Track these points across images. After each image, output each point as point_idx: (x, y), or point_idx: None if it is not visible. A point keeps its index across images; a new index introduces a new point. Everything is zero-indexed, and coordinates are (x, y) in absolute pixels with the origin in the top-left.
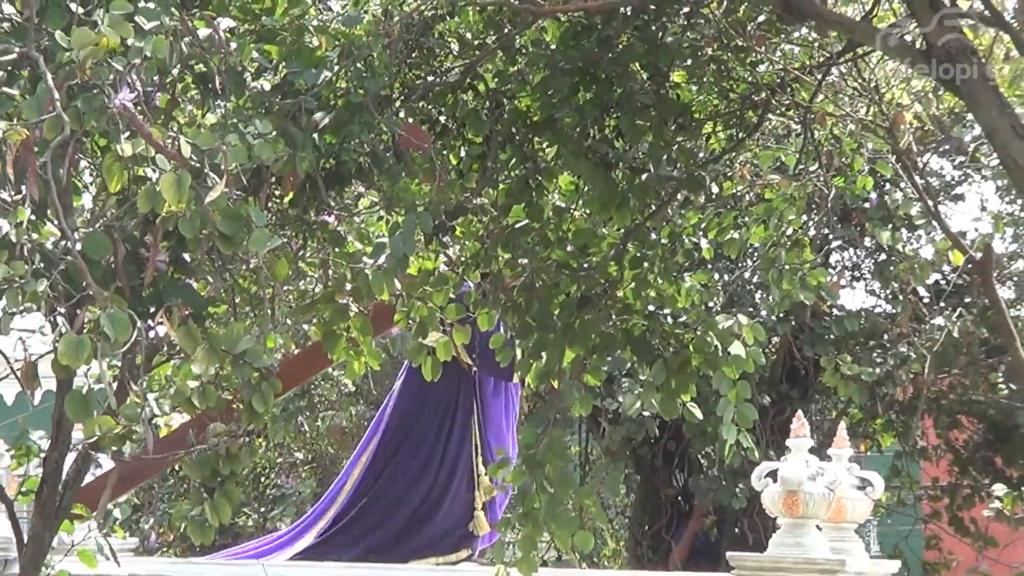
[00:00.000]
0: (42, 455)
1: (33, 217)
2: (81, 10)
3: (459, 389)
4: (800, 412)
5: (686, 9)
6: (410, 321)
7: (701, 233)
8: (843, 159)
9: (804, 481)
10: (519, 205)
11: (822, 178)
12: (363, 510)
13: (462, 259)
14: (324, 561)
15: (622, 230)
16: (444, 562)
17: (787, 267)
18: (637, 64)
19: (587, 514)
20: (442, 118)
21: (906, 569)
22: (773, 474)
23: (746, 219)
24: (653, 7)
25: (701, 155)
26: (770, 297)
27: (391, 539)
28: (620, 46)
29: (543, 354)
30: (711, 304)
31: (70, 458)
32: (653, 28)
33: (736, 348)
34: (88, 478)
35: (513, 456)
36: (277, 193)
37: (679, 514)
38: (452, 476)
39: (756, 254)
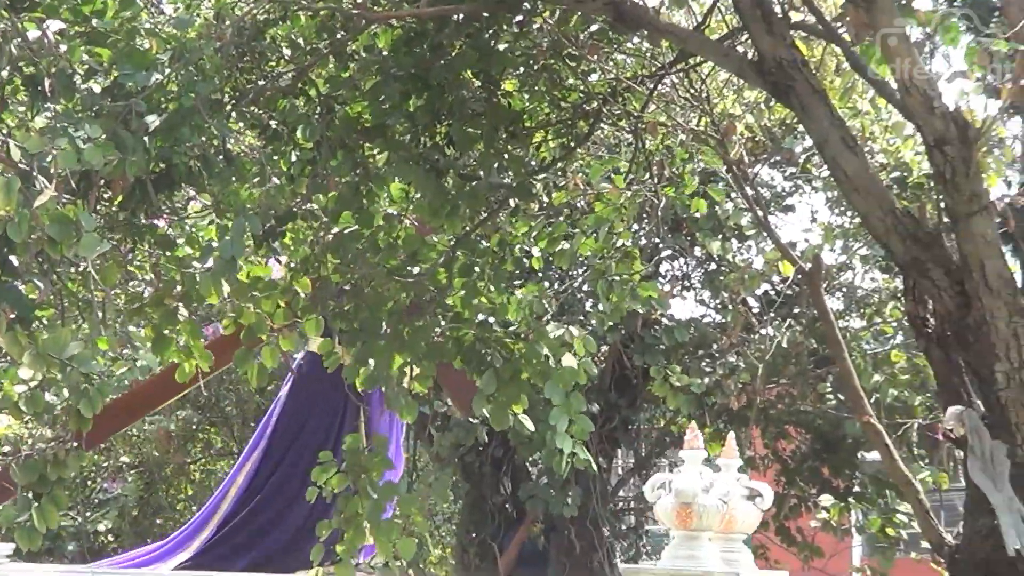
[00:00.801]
0: None
1: None
2: None
3: (346, 395)
4: (693, 424)
5: (519, 18)
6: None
7: (532, 243)
8: (674, 169)
9: (698, 493)
10: (349, 211)
11: (653, 188)
12: (248, 518)
13: (291, 265)
14: (208, 572)
15: (452, 238)
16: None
17: (617, 278)
18: (469, 72)
19: (411, 521)
20: (273, 123)
21: None
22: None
23: (576, 230)
24: (486, 15)
25: (532, 163)
26: (600, 307)
27: (279, 548)
28: (452, 53)
29: (371, 360)
30: (542, 314)
31: None
32: (485, 36)
33: (567, 360)
34: None
35: (399, 463)
36: (106, 196)
37: (507, 521)
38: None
39: (587, 264)
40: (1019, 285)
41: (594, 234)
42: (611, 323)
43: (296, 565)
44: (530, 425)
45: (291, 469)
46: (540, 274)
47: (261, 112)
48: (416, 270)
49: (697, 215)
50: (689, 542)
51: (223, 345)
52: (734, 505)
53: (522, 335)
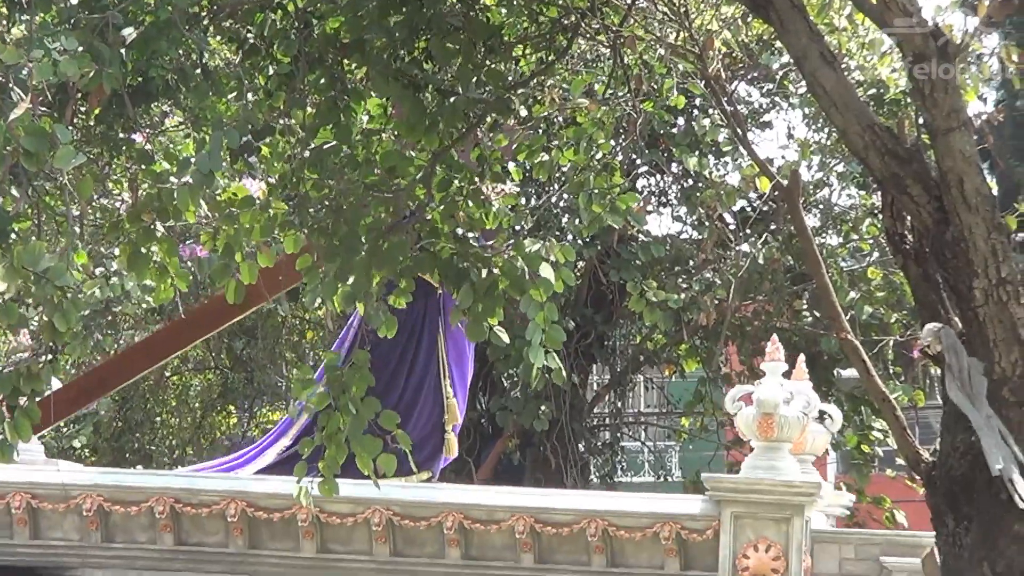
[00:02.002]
0: None
1: None
2: None
3: (426, 309)
4: (775, 336)
5: None
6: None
7: (510, 157)
8: (652, 84)
9: (780, 404)
10: (327, 127)
11: (631, 103)
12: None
13: (269, 180)
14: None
15: (431, 153)
16: (407, 482)
17: (596, 191)
18: None
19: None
20: (250, 37)
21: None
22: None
23: (556, 143)
24: None
25: (510, 78)
26: (577, 220)
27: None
28: None
29: (350, 277)
30: (520, 226)
31: None
32: None
33: (545, 271)
34: None
35: (468, 380)
36: (83, 110)
37: (483, 437)
38: (418, 395)
39: (564, 178)
40: (997, 201)
41: (574, 147)
42: (588, 237)
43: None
44: (505, 337)
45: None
46: (518, 188)
47: (238, 26)
48: (395, 185)
49: (674, 131)
50: (770, 452)
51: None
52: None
53: (499, 249)
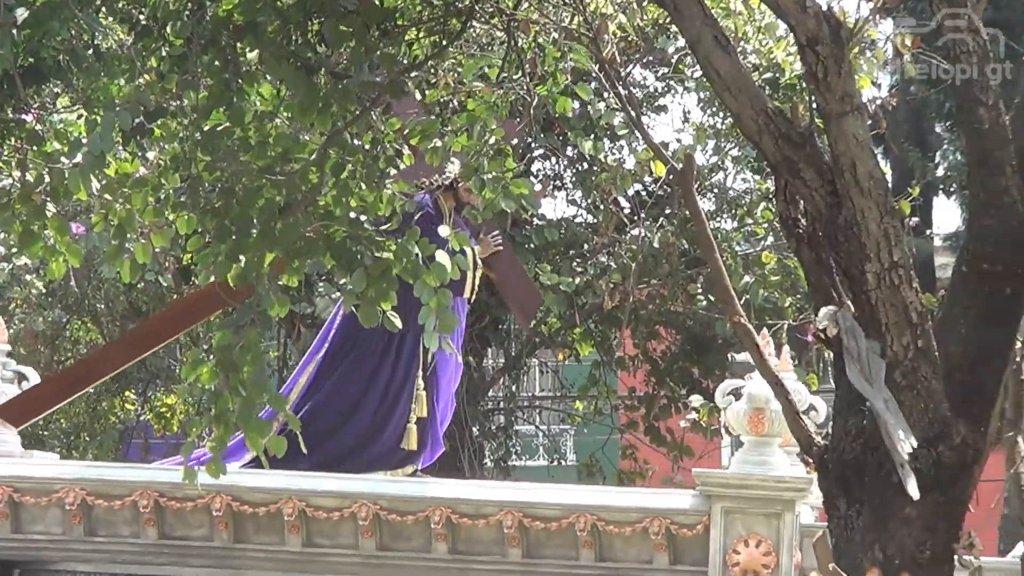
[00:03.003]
0: None
1: None
2: None
3: (409, 302)
4: (765, 330)
5: None
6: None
7: (403, 141)
8: (546, 68)
9: (770, 398)
10: (220, 108)
11: (525, 86)
12: (310, 419)
13: (161, 162)
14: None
15: (324, 136)
16: (392, 476)
17: (490, 176)
18: None
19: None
20: (143, 18)
21: (602, 477)
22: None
23: (449, 128)
24: None
25: (404, 61)
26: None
27: (345, 450)
28: None
29: (242, 257)
30: (413, 211)
31: None
32: None
33: (440, 256)
34: None
35: (457, 372)
36: None
37: None
38: (402, 390)
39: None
40: (890, 186)
41: (466, 131)
42: (481, 222)
43: (361, 467)
44: (398, 322)
45: (353, 373)
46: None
47: (131, 7)
48: (288, 168)
49: (569, 115)
50: (760, 447)
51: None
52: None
53: (393, 233)
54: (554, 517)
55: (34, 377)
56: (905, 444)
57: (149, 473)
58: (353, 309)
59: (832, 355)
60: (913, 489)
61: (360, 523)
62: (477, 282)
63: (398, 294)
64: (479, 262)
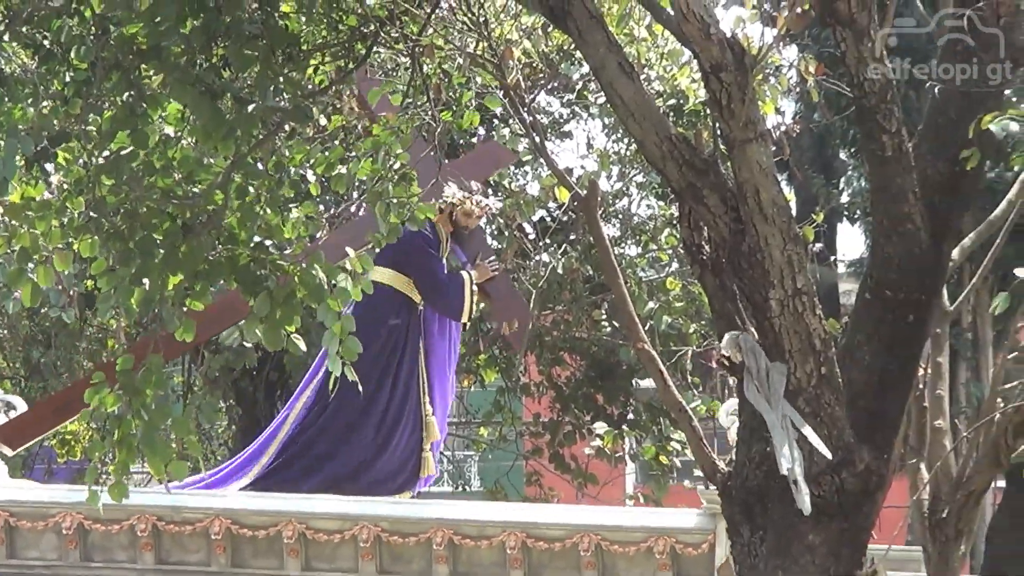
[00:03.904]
0: None
1: None
2: None
3: (408, 327)
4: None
5: None
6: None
7: (308, 167)
8: (451, 93)
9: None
10: (124, 132)
11: (430, 112)
12: (308, 444)
13: (65, 186)
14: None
15: (228, 159)
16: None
17: (395, 200)
18: None
19: (185, 443)
20: (47, 43)
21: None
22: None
23: (354, 153)
24: None
25: (309, 86)
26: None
27: (348, 473)
28: None
29: (145, 280)
30: (317, 236)
31: None
32: None
33: (343, 280)
34: None
35: (450, 398)
36: None
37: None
38: (400, 415)
39: (364, 188)
40: (794, 213)
41: (371, 157)
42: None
43: (359, 493)
44: (302, 345)
45: (352, 395)
46: (318, 199)
47: (35, 31)
48: (192, 191)
49: (474, 141)
50: None
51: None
52: None
53: (297, 258)
54: (557, 538)
55: (21, 405)
56: (789, 463)
57: (148, 497)
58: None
59: (736, 381)
60: (805, 505)
61: (361, 545)
62: (475, 307)
63: (398, 324)
64: (475, 287)
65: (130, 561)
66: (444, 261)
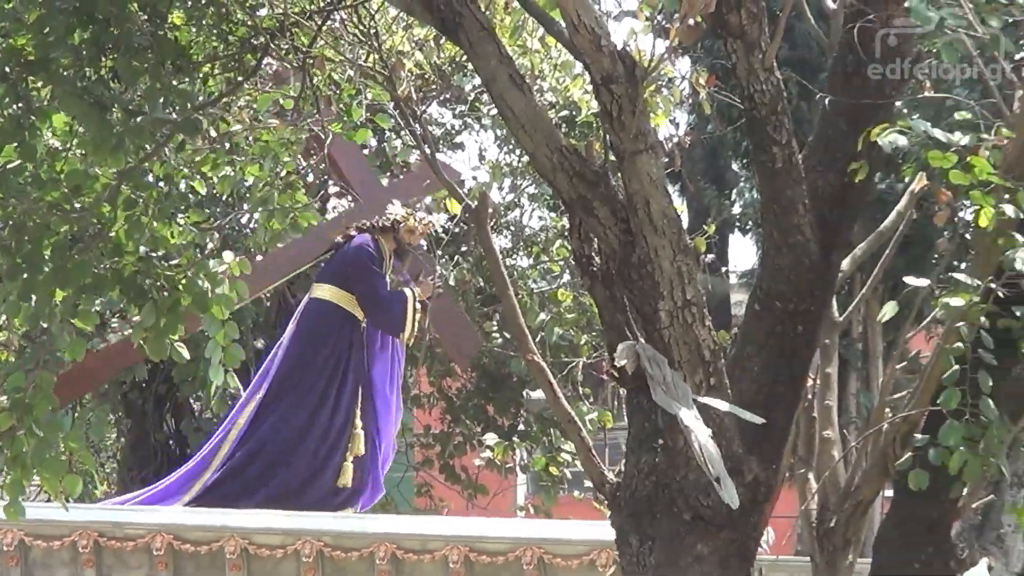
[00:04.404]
0: None
1: None
2: None
3: (351, 343)
4: None
5: None
6: None
7: (197, 173)
8: (341, 105)
9: None
10: (11, 144)
11: (320, 123)
12: (250, 459)
13: None
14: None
15: (117, 171)
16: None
17: (279, 208)
18: (135, 4)
19: (76, 458)
20: None
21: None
22: None
23: (241, 158)
24: None
25: (199, 98)
26: (261, 237)
27: (286, 491)
28: None
29: (33, 296)
30: (205, 244)
31: None
32: None
33: (225, 288)
34: None
35: (397, 415)
36: None
37: (170, 458)
38: (343, 431)
39: (250, 195)
40: (685, 225)
41: (259, 163)
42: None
43: (307, 505)
44: (186, 353)
45: (293, 413)
46: (207, 210)
47: None
48: (79, 204)
49: (365, 152)
50: None
51: None
52: None
53: (183, 267)
54: (500, 551)
55: None
56: (709, 459)
57: (90, 513)
58: (287, 350)
59: (625, 392)
60: (733, 498)
61: (303, 560)
62: (416, 324)
63: (341, 340)
64: (418, 304)
65: None
66: (387, 278)
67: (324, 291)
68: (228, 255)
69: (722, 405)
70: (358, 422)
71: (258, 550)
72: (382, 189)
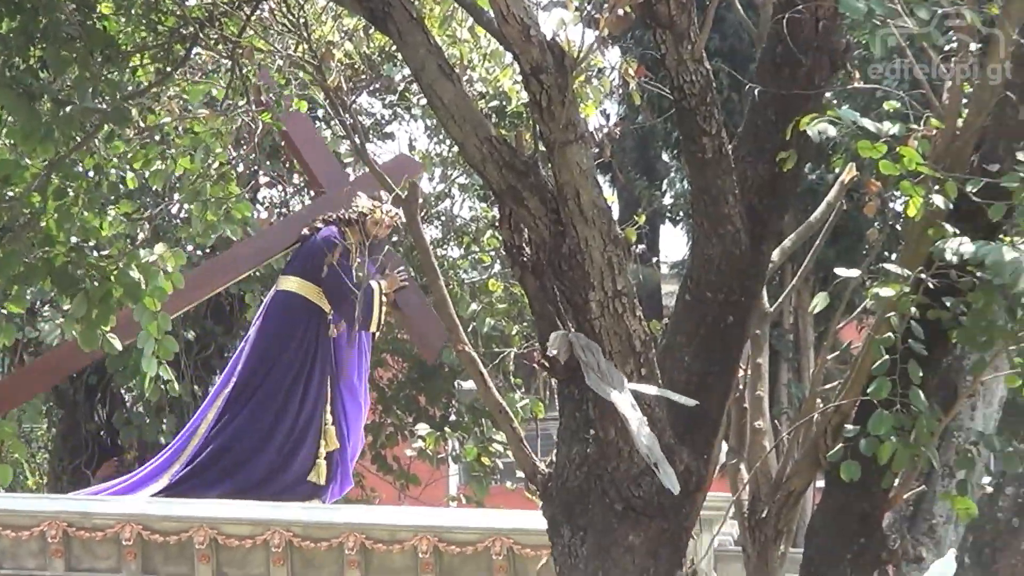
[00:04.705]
0: None
1: None
2: None
3: (318, 336)
4: None
5: None
6: None
7: (127, 165)
8: (270, 95)
9: None
10: None
11: (250, 113)
12: (218, 452)
13: None
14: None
15: (46, 161)
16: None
17: (212, 199)
18: None
19: (8, 447)
20: None
21: None
22: None
23: (172, 151)
24: None
25: (128, 87)
26: (194, 229)
27: (253, 482)
28: None
29: None
30: (137, 235)
31: None
32: None
33: (160, 280)
34: None
35: (364, 407)
36: None
37: (102, 449)
38: (310, 424)
39: (182, 186)
40: (615, 215)
41: (190, 155)
42: (208, 248)
43: (270, 498)
44: (118, 344)
45: (262, 406)
46: (138, 201)
47: None
48: (8, 194)
49: None
50: None
51: None
52: None
53: (114, 258)
54: (469, 541)
55: None
56: (647, 444)
57: (59, 503)
58: (255, 344)
59: (557, 383)
60: (673, 483)
61: (272, 551)
62: (383, 317)
63: (308, 334)
64: (384, 297)
65: (40, 568)
66: (353, 270)
67: (291, 283)
68: (161, 247)
69: (651, 390)
70: (328, 417)
71: (227, 540)
72: (348, 182)
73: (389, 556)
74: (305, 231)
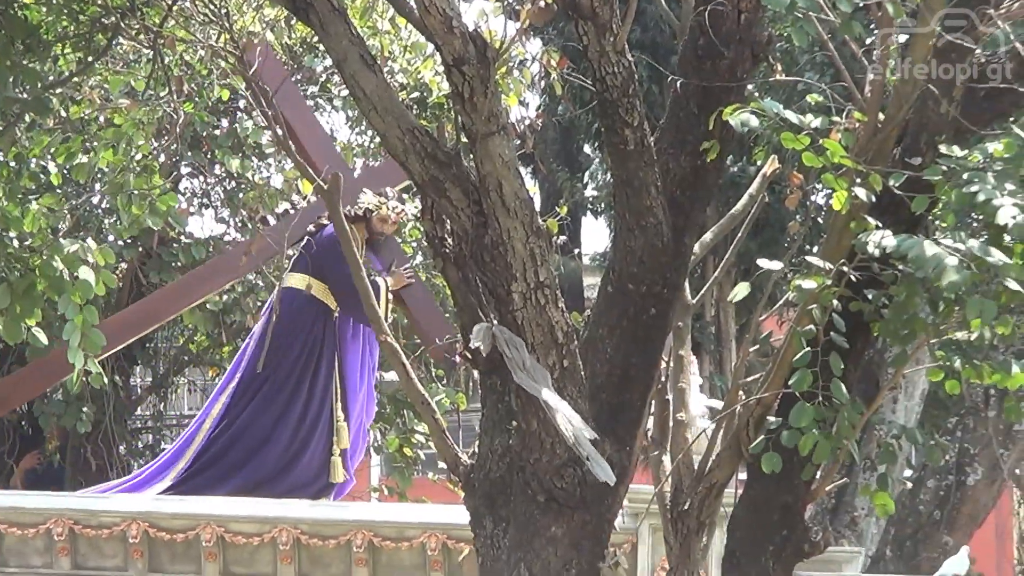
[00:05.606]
0: None
1: None
2: None
3: (324, 332)
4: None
5: None
6: None
7: (50, 157)
8: (192, 86)
9: (696, 416)
10: None
11: (172, 104)
12: (224, 449)
13: None
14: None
15: None
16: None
17: (136, 192)
18: None
19: None
20: None
21: None
22: None
23: (95, 143)
24: None
25: (49, 77)
26: (118, 221)
27: (262, 479)
28: None
29: None
30: (58, 227)
31: None
32: None
33: (84, 273)
34: None
35: (370, 404)
36: None
37: (23, 439)
38: (317, 421)
39: (105, 178)
40: (537, 206)
41: (112, 147)
42: (128, 239)
43: (278, 496)
44: (43, 338)
45: (266, 403)
46: (59, 190)
47: None
48: None
49: (217, 133)
50: None
51: None
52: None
53: (37, 249)
54: None
55: None
56: (585, 433)
57: (65, 501)
58: (260, 340)
59: (479, 374)
60: (608, 474)
61: (280, 548)
62: (389, 314)
63: (314, 330)
64: (391, 294)
65: (46, 566)
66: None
67: (297, 280)
68: (91, 243)
69: (552, 399)
70: (340, 414)
71: (234, 538)
72: (353, 178)
73: (397, 553)
74: (311, 227)
